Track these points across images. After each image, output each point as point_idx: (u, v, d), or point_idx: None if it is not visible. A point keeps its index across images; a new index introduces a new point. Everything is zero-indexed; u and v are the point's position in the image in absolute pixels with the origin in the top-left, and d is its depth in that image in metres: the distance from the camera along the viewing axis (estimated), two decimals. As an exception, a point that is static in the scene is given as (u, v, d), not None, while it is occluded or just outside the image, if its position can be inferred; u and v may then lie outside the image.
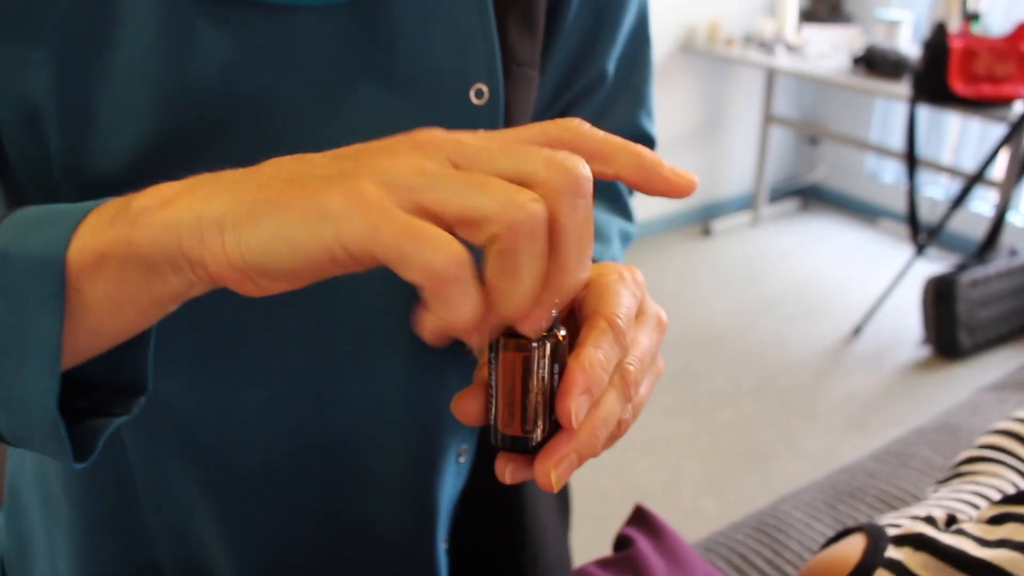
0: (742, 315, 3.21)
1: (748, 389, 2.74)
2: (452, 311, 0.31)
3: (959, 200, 2.85)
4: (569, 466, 0.39)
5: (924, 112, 3.64)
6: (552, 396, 0.40)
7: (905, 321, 3.13)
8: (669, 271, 3.58)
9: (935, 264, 3.32)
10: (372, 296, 0.53)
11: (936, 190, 3.82)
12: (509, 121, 0.55)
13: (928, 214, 3.65)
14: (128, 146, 0.44)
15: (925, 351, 2.96)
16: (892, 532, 0.66)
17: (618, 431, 0.42)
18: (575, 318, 0.43)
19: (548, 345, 0.39)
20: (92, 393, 0.43)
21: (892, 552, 0.64)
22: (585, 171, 0.33)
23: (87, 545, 0.60)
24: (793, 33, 3.62)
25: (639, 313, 0.45)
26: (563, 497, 0.82)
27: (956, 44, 2.72)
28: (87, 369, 0.41)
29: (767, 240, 3.89)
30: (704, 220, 4.02)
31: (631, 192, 0.73)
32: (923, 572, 0.61)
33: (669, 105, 3.77)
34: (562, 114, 0.65)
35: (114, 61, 0.44)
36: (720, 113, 3.96)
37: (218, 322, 0.50)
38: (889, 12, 3.53)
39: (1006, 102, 2.73)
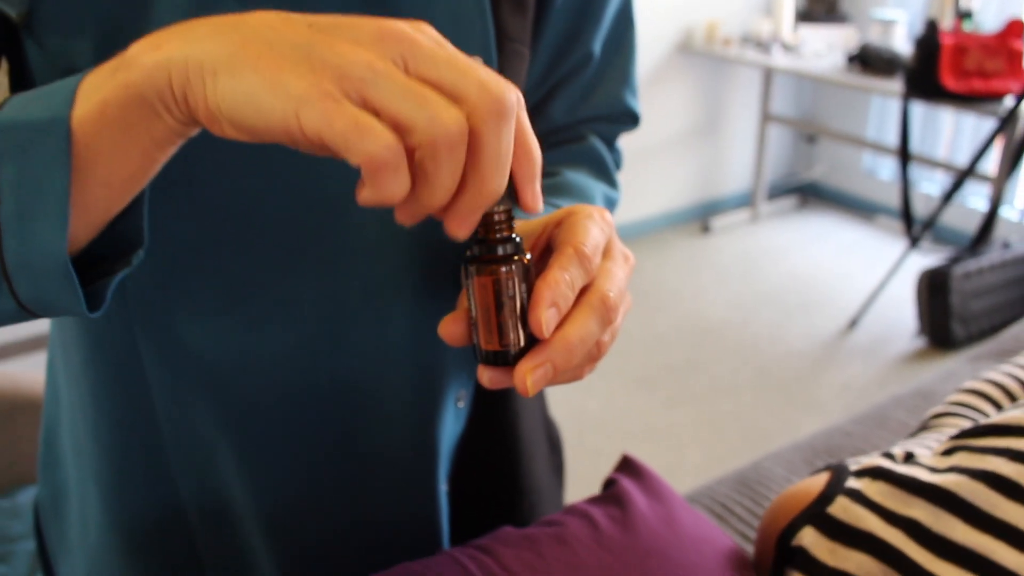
0: (741, 309, 3.27)
1: (747, 380, 2.80)
2: (383, 192, 0.36)
3: (950, 194, 2.91)
4: (544, 374, 0.45)
5: (919, 109, 3.70)
6: (524, 313, 0.46)
7: (900, 313, 3.19)
8: (669, 267, 3.64)
9: (929, 257, 3.38)
10: (378, 251, 0.58)
11: (932, 186, 3.88)
12: None
13: (924, 209, 3.71)
14: None
15: (920, 342, 3.02)
16: (854, 468, 0.73)
17: (597, 352, 0.49)
18: (551, 251, 0.49)
19: (515, 267, 0.46)
20: (99, 263, 0.47)
21: (852, 483, 0.71)
22: (511, 98, 0.38)
23: (115, 490, 0.65)
24: (789, 33, 3.68)
25: (608, 250, 0.50)
26: (557, 458, 0.88)
27: (947, 41, 2.78)
28: (93, 245, 0.45)
29: (766, 237, 3.95)
30: (704, 217, 4.08)
31: (619, 165, 0.79)
32: (879, 498, 0.68)
33: (669, 104, 3.83)
34: (550, 94, 0.71)
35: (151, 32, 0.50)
36: (719, 112, 4.03)
37: (238, 272, 0.55)
38: (884, 12, 3.59)
39: (996, 97, 2.79)
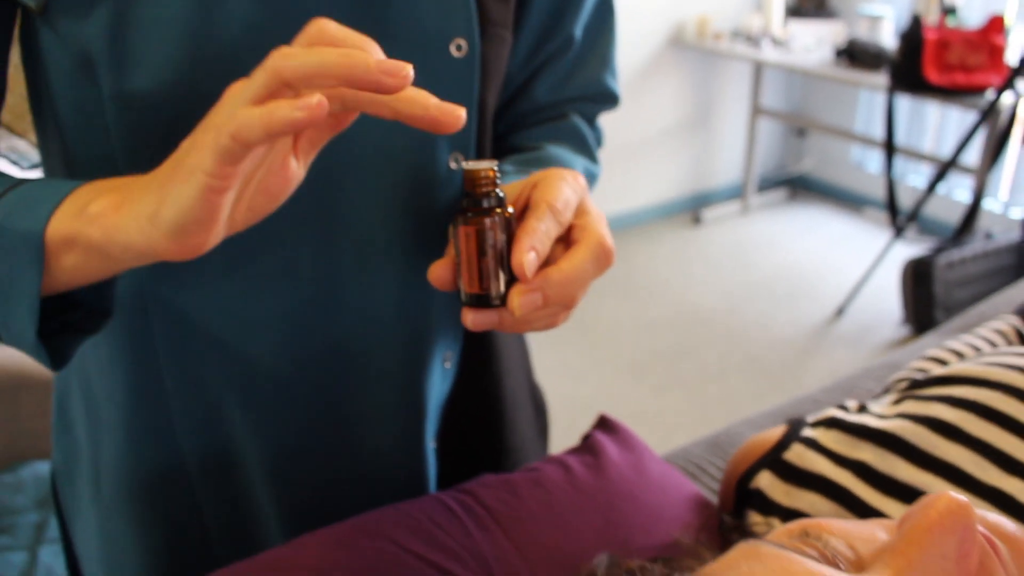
0: (731, 298, 3.33)
1: (735, 366, 2.86)
2: (309, 115, 0.41)
3: (933, 184, 2.97)
4: (533, 301, 0.52)
5: (906, 104, 3.76)
6: (505, 260, 0.53)
7: (886, 302, 3.25)
8: (660, 257, 3.70)
9: (914, 247, 3.44)
10: (370, 220, 0.63)
11: (919, 179, 3.94)
12: (484, 74, 0.66)
13: (910, 201, 3.76)
14: (163, 82, 0.55)
15: (904, 330, 3.08)
16: (810, 420, 0.79)
17: (571, 301, 0.56)
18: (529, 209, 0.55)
19: (497, 218, 0.52)
20: (72, 310, 0.57)
21: (808, 432, 0.76)
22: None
23: (127, 446, 0.70)
24: (779, 28, 3.74)
25: (584, 208, 0.57)
26: (541, 420, 0.93)
27: (930, 36, 2.84)
28: (70, 293, 0.56)
29: (756, 228, 4.01)
30: (695, 209, 4.14)
31: (599, 143, 0.84)
32: (831, 444, 0.74)
33: (661, 98, 3.89)
34: (533, 75, 0.76)
35: (155, 16, 0.55)
36: (710, 106, 4.08)
37: (239, 240, 0.58)
38: (872, 7, 3.65)
39: (978, 91, 2.85)
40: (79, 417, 0.75)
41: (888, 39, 3.43)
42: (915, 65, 2.87)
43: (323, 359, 0.67)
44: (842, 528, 0.46)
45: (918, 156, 3.46)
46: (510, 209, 0.53)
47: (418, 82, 0.48)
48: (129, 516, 0.73)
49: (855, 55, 3.30)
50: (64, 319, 0.57)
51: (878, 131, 3.94)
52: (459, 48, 0.61)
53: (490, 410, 0.82)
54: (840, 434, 0.74)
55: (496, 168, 0.53)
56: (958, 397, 0.72)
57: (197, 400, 0.67)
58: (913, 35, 2.88)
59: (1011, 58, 2.84)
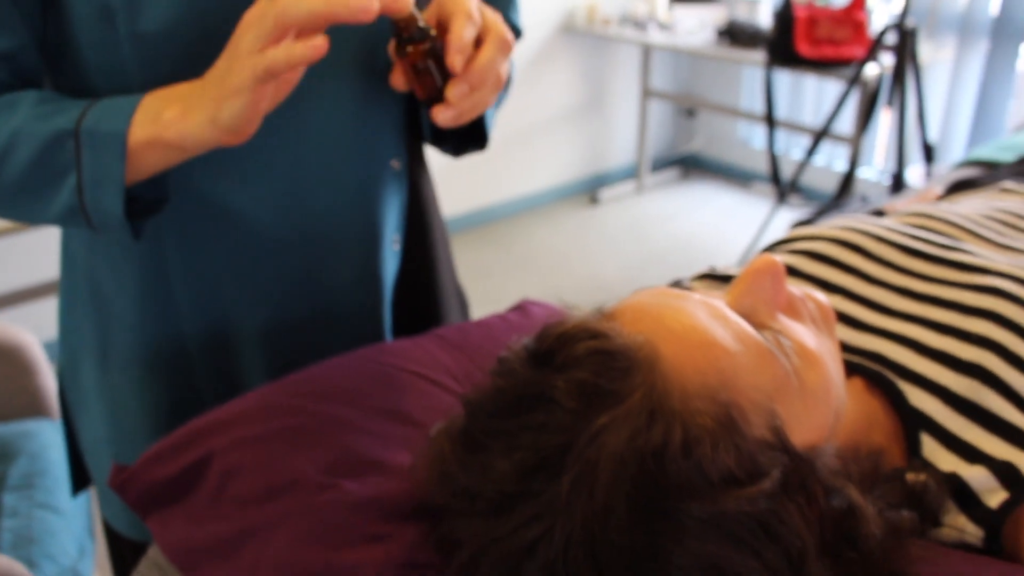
0: (629, 269, 3.48)
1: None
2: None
3: (811, 151, 3.18)
4: (462, 91, 0.69)
5: (787, 81, 3.98)
6: (442, 64, 0.70)
7: (773, 267, 3.44)
8: (561, 236, 3.83)
9: (798, 214, 3.65)
10: (329, 132, 0.82)
11: (802, 152, 4.17)
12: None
13: (793, 172, 3.98)
14: (170, 23, 0.71)
15: (790, 291, 3.27)
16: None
17: (498, 83, 0.73)
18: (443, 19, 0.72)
19: (426, 43, 0.69)
20: (137, 200, 0.76)
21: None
22: None
23: (137, 329, 0.86)
24: (664, 12, 3.91)
25: (482, 12, 0.73)
26: (465, 313, 1.11)
27: (800, 13, 3.05)
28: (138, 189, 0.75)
29: (651, 206, 4.18)
30: (592, 190, 4.30)
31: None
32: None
33: (554, 83, 4.02)
34: None
35: None
36: (602, 89, 4.24)
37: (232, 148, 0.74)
38: (749, -9, 3.87)
39: (847, 62, 3.06)
40: (86, 319, 0.89)
41: (765, 20, 3.63)
42: (788, 40, 3.07)
43: (300, 237, 0.85)
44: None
45: (799, 129, 3.67)
46: (433, 31, 0.70)
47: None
48: (138, 392, 0.88)
49: (735, 35, 3.50)
50: (135, 206, 0.75)
51: (761, 109, 4.15)
52: None
53: (428, 295, 1.00)
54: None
55: (414, 9, 0.68)
56: (796, 248, 0.88)
57: (200, 283, 0.84)
58: (785, 13, 3.08)
59: (873, 32, 3.07)
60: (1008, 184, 1.13)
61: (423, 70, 0.70)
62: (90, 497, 1.66)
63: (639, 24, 3.86)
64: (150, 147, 0.68)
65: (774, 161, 3.30)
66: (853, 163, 3.21)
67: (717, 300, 0.63)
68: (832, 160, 4.05)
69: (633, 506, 0.51)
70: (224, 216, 0.82)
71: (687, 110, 4.60)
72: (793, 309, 0.65)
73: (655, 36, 3.74)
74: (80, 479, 1.02)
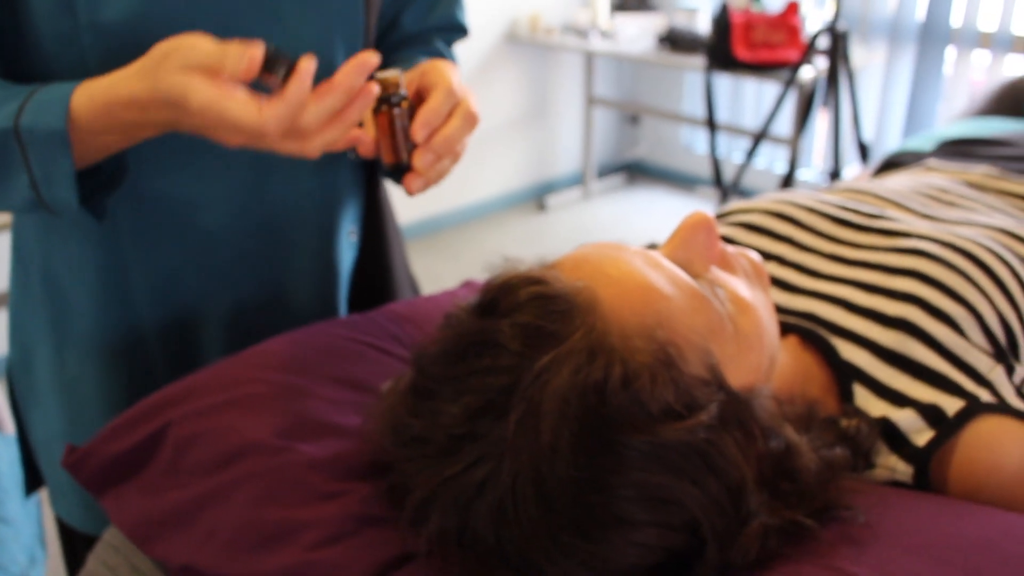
0: (577, 274, 3.51)
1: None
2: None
3: (750, 154, 3.25)
4: (430, 159, 0.72)
5: (727, 85, 4.07)
6: (410, 136, 0.73)
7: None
8: (509, 242, 3.86)
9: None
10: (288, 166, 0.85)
11: (741, 155, 4.26)
12: (367, 6, 0.85)
13: (735, 175, 4.07)
14: (129, 14, 0.71)
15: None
16: None
17: (456, 156, 0.76)
18: (421, 91, 0.75)
19: (403, 105, 0.72)
20: (96, 174, 0.74)
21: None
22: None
23: (96, 322, 0.85)
24: (606, 21, 3.98)
25: (460, 88, 0.75)
26: (415, 292, 1.13)
27: (737, 19, 3.14)
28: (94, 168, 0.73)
29: (598, 212, 4.24)
30: (539, 197, 4.34)
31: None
32: None
33: (499, 92, 4.06)
34: (399, 12, 0.95)
35: None
36: (546, 97, 4.29)
37: (188, 138, 0.73)
38: (688, 1, 3.96)
39: (783, 65, 3.15)
40: (41, 311, 0.89)
41: (703, 27, 3.72)
42: (726, 45, 3.16)
43: (258, 231, 0.87)
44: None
45: (740, 132, 3.75)
46: (408, 99, 0.73)
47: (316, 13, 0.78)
48: (96, 382, 0.89)
49: (675, 42, 3.57)
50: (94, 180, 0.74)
51: (703, 113, 4.23)
52: None
53: (384, 282, 1.03)
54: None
55: (400, 74, 0.72)
56: (732, 220, 0.93)
57: (158, 273, 0.85)
58: (722, 19, 3.17)
59: (807, 36, 3.16)
60: (932, 163, 1.18)
61: (393, 133, 0.73)
62: (40, 506, 1.64)
63: (581, 33, 3.92)
64: (103, 117, 0.66)
65: (716, 164, 3.37)
66: (792, 164, 3.30)
67: (653, 252, 0.66)
68: (772, 162, 4.15)
69: (577, 441, 0.53)
70: (182, 210, 0.83)
71: (631, 116, 4.68)
72: (727, 263, 0.69)
73: (597, 44, 3.80)
74: (33, 480, 1.01)
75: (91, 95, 0.66)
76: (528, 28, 3.98)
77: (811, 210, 0.91)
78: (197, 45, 0.62)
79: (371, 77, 0.67)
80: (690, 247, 0.67)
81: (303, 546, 0.62)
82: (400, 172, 0.75)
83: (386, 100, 0.72)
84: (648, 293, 0.60)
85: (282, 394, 0.73)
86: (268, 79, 0.63)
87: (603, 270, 0.61)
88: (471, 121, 0.74)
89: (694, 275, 0.65)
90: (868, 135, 3.53)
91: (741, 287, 0.67)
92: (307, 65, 0.62)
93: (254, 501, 0.65)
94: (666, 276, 0.62)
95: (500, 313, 0.58)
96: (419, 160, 0.72)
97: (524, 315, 0.57)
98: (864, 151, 3.05)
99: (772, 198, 0.95)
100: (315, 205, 0.90)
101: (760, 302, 0.68)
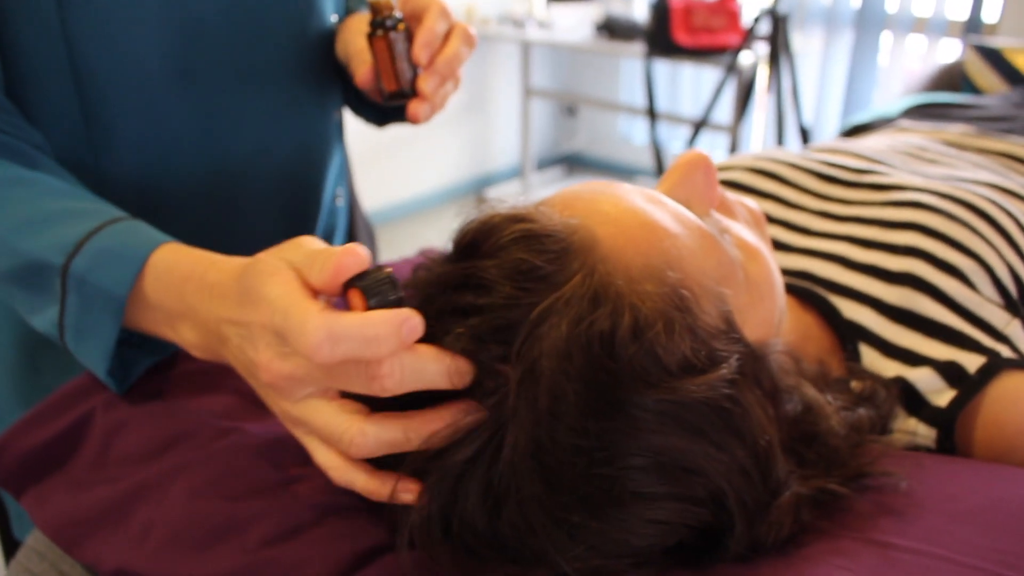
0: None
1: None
2: None
3: (691, 143, 3.22)
4: (436, 82, 0.68)
5: (664, 72, 4.04)
6: (411, 61, 0.69)
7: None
8: (449, 236, 3.76)
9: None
10: (267, 119, 0.80)
11: (681, 144, 4.24)
12: None
13: (675, 167, 4.04)
14: None
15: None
16: None
17: (459, 79, 0.73)
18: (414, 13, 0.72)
19: (400, 30, 0.68)
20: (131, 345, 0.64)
21: None
22: None
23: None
24: (542, 11, 3.92)
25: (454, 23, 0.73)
26: (371, 237, 1.12)
27: (676, 4, 3.10)
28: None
29: (538, 204, 4.17)
30: (478, 190, 4.26)
31: None
32: None
33: (435, 83, 3.97)
34: None
35: None
36: (483, 90, 4.21)
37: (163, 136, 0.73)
38: (624, -12, 3.93)
39: (724, 51, 3.12)
40: None
41: (640, 14, 3.68)
42: (666, 31, 3.11)
43: (218, 203, 0.80)
44: None
45: (679, 120, 3.72)
46: (405, 23, 0.70)
47: None
48: (22, 376, 0.80)
49: (613, 29, 3.53)
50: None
51: (641, 102, 4.20)
52: None
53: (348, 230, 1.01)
54: None
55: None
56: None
57: None
58: (661, 5, 3.12)
59: (746, 21, 3.14)
60: (904, 123, 1.13)
61: (393, 57, 0.69)
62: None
63: (518, 23, 3.85)
64: (173, 297, 0.56)
65: (658, 153, 3.33)
66: (733, 151, 3.27)
67: (651, 190, 0.58)
68: (712, 149, 4.12)
69: (582, 403, 0.45)
70: (152, 196, 0.76)
71: (568, 108, 4.62)
72: (726, 208, 0.61)
73: (535, 34, 3.74)
74: None
75: (173, 262, 0.57)
76: (463, 19, 3.90)
77: (795, 166, 0.85)
78: (303, 244, 0.49)
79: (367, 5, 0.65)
80: (689, 186, 0.58)
81: (254, 542, 0.52)
82: (403, 99, 0.71)
83: (381, 24, 0.68)
84: (652, 231, 0.51)
85: (225, 368, 0.63)
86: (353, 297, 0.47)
87: (598, 207, 0.52)
88: (470, 41, 0.72)
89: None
90: (808, 120, 3.53)
91: (747, 233, 0.60)
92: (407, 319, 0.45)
93: (194, 493, 0.56)
94: (670, 213, 0.54)
95: (482, 254, 0.49)
96: (425, 84, 0.69)
97: (513, 253, 0.48)
98: (805, 135, 3.04)
99: (753, 155, 0.89)
100: (288, 172, 0.84)
101: (766, 249, 0.61)
